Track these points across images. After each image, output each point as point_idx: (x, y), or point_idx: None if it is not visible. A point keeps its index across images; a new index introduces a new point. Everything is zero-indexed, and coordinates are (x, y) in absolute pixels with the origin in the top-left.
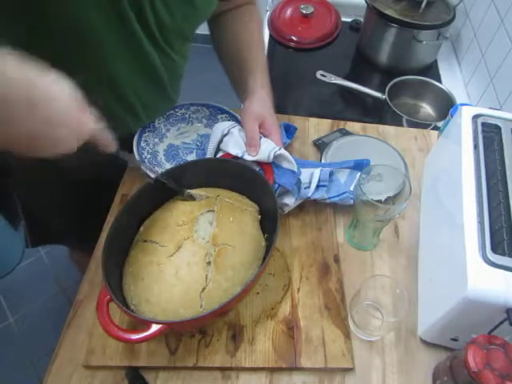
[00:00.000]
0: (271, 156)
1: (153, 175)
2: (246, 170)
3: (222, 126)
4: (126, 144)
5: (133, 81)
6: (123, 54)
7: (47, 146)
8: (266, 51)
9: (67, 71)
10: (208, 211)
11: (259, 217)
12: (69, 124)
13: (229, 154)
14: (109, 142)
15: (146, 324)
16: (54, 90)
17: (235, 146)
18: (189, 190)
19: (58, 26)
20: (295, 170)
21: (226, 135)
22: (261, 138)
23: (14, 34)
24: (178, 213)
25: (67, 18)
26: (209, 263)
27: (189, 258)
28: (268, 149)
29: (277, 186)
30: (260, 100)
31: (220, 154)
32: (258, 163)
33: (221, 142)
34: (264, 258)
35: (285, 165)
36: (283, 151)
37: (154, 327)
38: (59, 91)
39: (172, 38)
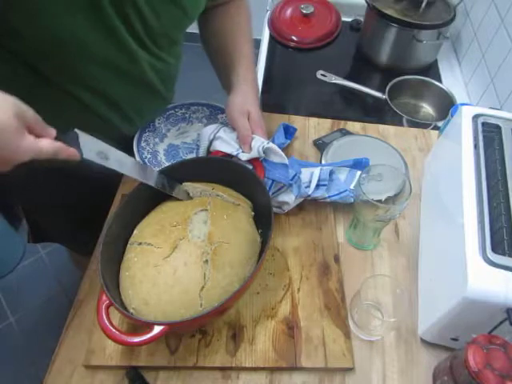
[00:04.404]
0: (261, 151)
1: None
2: (236, 167)
3: (208, 131)
4: (125, 144)
5: (125, 89)
6: (114, 65)
7: None
8: (265, 50)
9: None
10: (201, 210)
11: (253, 213)
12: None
13: (220, 152)
14: (70, 154)
15: (148, 326)
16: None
17: (227, 147)
18: (184, 183)
19: (39, 36)
20: (286, 162)
21: (213, 140)
22: None
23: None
24: (171, 214)
25: (53, 32)
26: (206, 262)
27: (185, 258)
28: (257, 144)
29: (271, 181)
30: (243, 94)
31: (211, 152)
32: (249, 160)
33: (209, 146)
34: (260, 254)
35: (275, 159)
36: (271, 144)
37: (157, 329)
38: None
39: (161, 40)
